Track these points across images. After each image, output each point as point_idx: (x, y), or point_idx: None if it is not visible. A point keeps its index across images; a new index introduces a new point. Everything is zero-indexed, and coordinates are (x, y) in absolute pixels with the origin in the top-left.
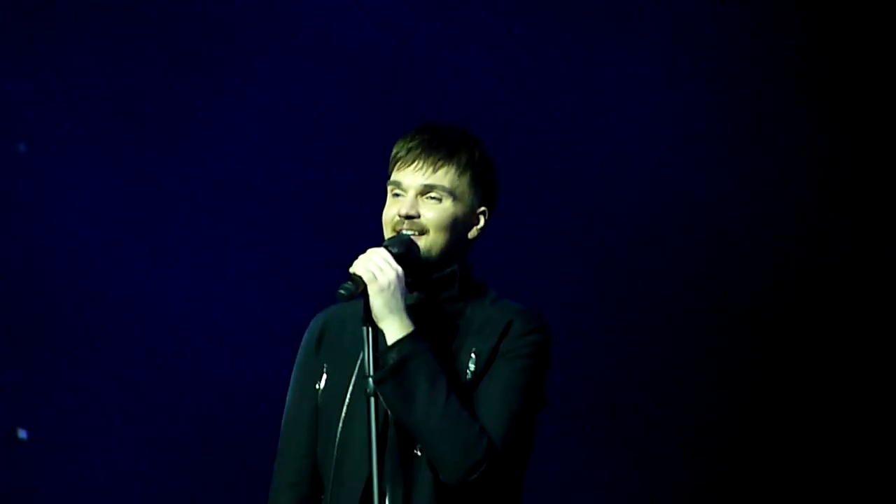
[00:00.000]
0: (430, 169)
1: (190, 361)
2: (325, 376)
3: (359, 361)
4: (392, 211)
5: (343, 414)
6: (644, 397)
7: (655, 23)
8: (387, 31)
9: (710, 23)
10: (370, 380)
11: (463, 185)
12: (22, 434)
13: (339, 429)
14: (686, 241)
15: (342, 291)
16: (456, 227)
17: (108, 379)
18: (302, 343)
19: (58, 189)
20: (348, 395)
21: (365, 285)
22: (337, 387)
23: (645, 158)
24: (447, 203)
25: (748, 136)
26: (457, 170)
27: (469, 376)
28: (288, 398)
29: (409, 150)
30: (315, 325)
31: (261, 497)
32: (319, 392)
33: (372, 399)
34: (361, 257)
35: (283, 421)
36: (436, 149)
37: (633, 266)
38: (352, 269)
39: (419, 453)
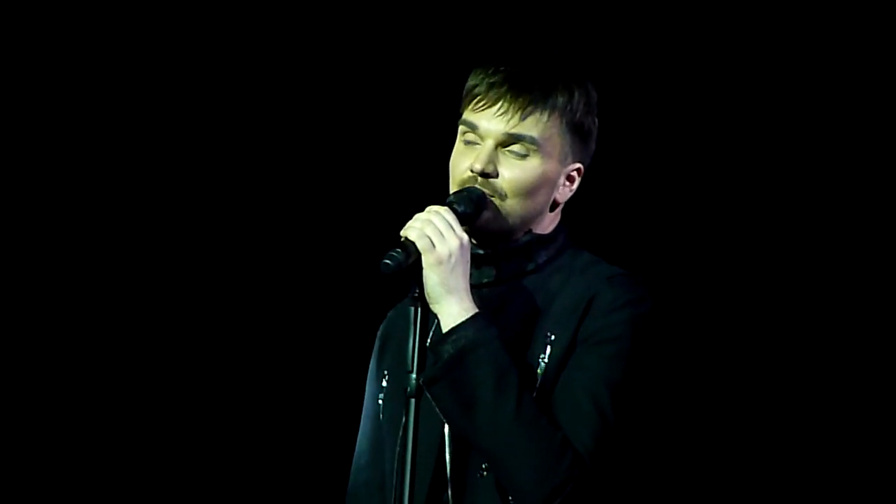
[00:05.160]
0: (518, 115)
1: None
2: (384, 385)
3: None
4: (463, 162)
5: (401, 429)
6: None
7: None
8: None
9: None
10: (412, 377)
11: (555, 135)
12: None
13: (398, 448)
14: None
15: (388, 262)
16: (541, 190)
17: None
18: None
19: None
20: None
21: (418, 255)
22: (396, 396)
23: None
24: (534, 160)
25: None
26: (550, 116)
27: (542, 369)
28: (360, 423)
29: (490, 87)
30: (383, 324)
31: None
32: (381, 405)
33: (412, 401)
34: (418, 217)
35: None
36: (526, 87)
37: None
38: (403, 233)
39: (485, 473)
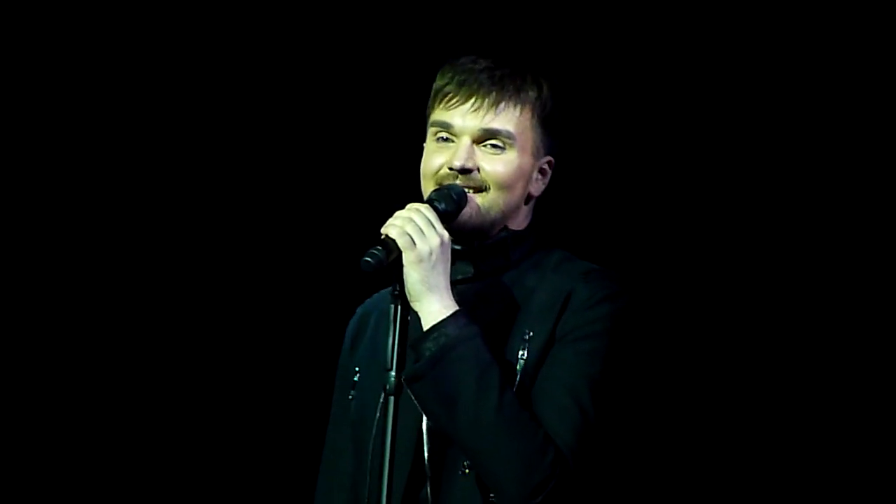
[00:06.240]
0: (492, 110)
1: None
2: (356, 380)
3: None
4: (438, 160)
5: (375, 427)
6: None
7: None
8: None
9: None
10: (391, 374)
11: (528, 129)
12: None
13: (371, 445)
14: None
15: (368, 259)
16: (518, 183)
17: None
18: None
19: None
20: (380, 402)
21: (399, 252)
22: (369, 393)
23: None
24: (511, 153)
25: None
26: (522, 110)
27: (521, 367)
28: (330, 421)
29: (461, 84)
30: (353, 320)
31: None
32: (352, 402)
33: (392, 399)
34: (398, 215)
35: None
36: (498, 83)
37: None
38: (384, 230)
39: (467, 470)
